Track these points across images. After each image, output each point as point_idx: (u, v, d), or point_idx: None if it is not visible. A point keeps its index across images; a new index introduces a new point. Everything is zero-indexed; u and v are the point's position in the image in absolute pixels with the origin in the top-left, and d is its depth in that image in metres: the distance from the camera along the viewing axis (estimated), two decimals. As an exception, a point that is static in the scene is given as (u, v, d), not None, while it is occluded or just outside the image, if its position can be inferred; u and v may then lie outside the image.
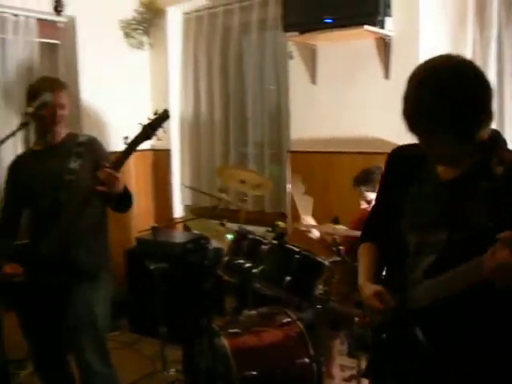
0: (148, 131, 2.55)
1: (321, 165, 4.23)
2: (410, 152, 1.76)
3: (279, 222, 3.23)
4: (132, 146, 2.56)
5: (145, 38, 5.19)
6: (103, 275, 2.82)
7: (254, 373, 2.76)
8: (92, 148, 2.84)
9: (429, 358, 1.61)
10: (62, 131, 2.84)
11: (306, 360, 2.87)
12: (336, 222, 3.13)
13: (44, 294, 2.65)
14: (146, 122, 2.58)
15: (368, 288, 1.76)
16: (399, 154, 1.86)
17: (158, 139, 2.61)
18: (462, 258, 1.47)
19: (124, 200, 2.79)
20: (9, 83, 4.48)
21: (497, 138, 1.62)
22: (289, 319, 3.05)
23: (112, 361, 2.80)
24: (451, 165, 1.63)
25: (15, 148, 4.04)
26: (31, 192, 2.76)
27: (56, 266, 2.61)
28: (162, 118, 2.58)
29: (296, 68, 4.28)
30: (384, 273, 1.90)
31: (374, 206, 2.06)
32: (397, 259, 1.76)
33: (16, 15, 4.42)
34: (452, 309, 1.56)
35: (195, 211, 5.04)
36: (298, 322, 3.02)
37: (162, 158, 5.42)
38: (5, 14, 4.37)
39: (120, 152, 2.58)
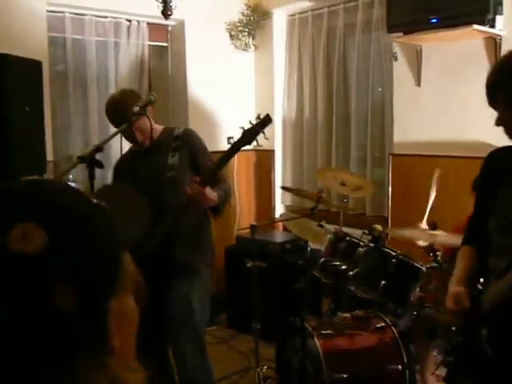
0: (249, 136, 2.54)
1: (424, 169, 4.12)
2: (506, 153, 1.83)
3: (376, 225, 3.17)
4: (232, 150, 2.57)
5: (250, 40, 5.29)
6: (202, 271, 2.89)
7: (345, 376, 2.75)
8: (188, 140, 2.87)
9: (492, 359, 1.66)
10: (158, 128, 2.92)
11: (399, 367, 2.82)
12: (434, 227, 3.04)
13: (146, 286, 2.76)
14: (247, 126, 2.56)
15: (451, 289, 1.83)
16: (494, 156, 1.91)
17: (259, 146, 2.60)
18: None
19: (217, 210, 2.85)
20: (121, 84, 4.72)
21: None
22: (383, 324, 3.00)
23: (208, 354, 2.86)
24: None
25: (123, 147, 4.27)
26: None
27: (157, 261, 2.70)
28: (263, 123, 2.54)
29: (400, 69, 4.20)
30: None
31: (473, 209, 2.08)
32: (485, 261, 1.81)
33: (129, 20, 4.69)
34: None
35: (295, 212, 5.06)
36: (393, 328, 2.97)
37: (264, 158, 5.49)
38: (119, 20, 4.65)
39: (220, 157, 2.62)
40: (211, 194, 2.66)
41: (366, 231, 3.15)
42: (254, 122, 2.55)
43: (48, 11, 4.25)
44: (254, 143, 2.59)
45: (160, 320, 2.82)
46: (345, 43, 4.82)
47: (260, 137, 2.57)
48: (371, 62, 4.57)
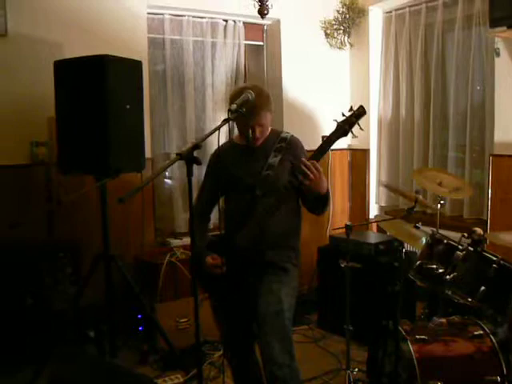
0: (343, 128, 2.50)
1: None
2: None
3: (477, 228, 3.05)
4: (327, 143, 2.54)
5: (345, 38, 5.25)
6: (291, 271, 2.87)
7: (439, 383, 2.65)
8: (292, 145, 2.87)
9: None
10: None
11: (498, 379, 2.68)
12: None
13: (236, 283, 2.79)
14: (341, 118, 2.52)
15: None
16: None
17: (354, 136, 2.54)
18: None
19: (320, 201, 2.77)
20: (218, 82, 4.81)
21: None
22: (481, 332, 2.87)
23: (295, 354, 2.84)
24: None
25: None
26: (231, 185, 2.90)
27: (248, 259, 2.74)
28: (357, 114, 2.50)
29: (503, 65, 4.02)
30: None
31: None
32: None
33: (226, 20, 4.79)
34: None
35: (390, 213, 4.98)
36: (492, 336, 2.83)
37: (359, 158, 5.44)
38: (216, 20, 4.74)
39: (315, 150, 2.57)
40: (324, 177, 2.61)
41: (465, 234, 3.03)
42: (347, 113, 2.51)
43: (148, 13, 4.40)
44: (350, 137, 2.55)
45: (250, 315, 2.85)
46: (443, 39, 4.68)
47: (355, 128, 2.52)
48: (471, 58, 4.41)
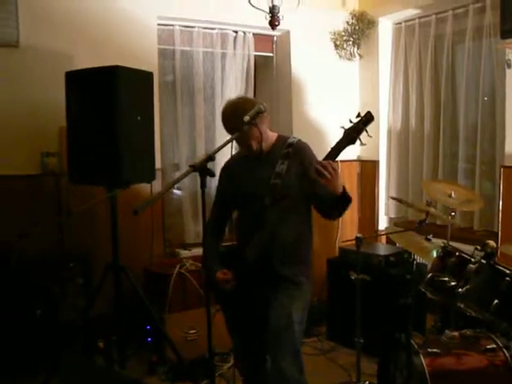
0: (351, 135, 2.41)
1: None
2: None
3: (490, 241, 3.02)
4: (335, 150, 2.45)
5: (355, 49, 5.25)
6: (304, 284, 2.83)
7: (452, 397, 2.63)
8: (299, 150, 2.79)
9: None
10: (271, 137, 2.85)
11: (512, 392, 2.67)
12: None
13: (248, 295, 2.77)
14: (348, 125, 2.43)
15: None
16: None
17: (362, 144, 2.44)
18: None
19: (337, 203, 2.64)
20: (228, 93, 4.81)
21: None
22: (494, 346, 2.84)
23: (305, 368, 2.81)
24: None
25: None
26: (239, 196, 2.87)
27: (258, 271, 2.70)
28: (365, 120, 2.41)
29: (514, 77, 4.01)
30: None
31: None
32: None
33: (235, 31, 4.80)
34: None
35: (400, 224, 4.95)
36: (505, 350, 2.81)
37: (369, 169, 5.42)
38: (226, 31, 4.76)
39: (323, 158, 2.47)
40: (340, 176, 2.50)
41: (478, 247, 3.00)
42: (355, 120, 2.43)
43: (158, 24, 4.42)
44: (358, 145, 2.46)
45: (261, 328, 2.82)
46: (453, 51, 4.67)
47: (363, 136, 2.43)
48: (482, 69, 4.39)
